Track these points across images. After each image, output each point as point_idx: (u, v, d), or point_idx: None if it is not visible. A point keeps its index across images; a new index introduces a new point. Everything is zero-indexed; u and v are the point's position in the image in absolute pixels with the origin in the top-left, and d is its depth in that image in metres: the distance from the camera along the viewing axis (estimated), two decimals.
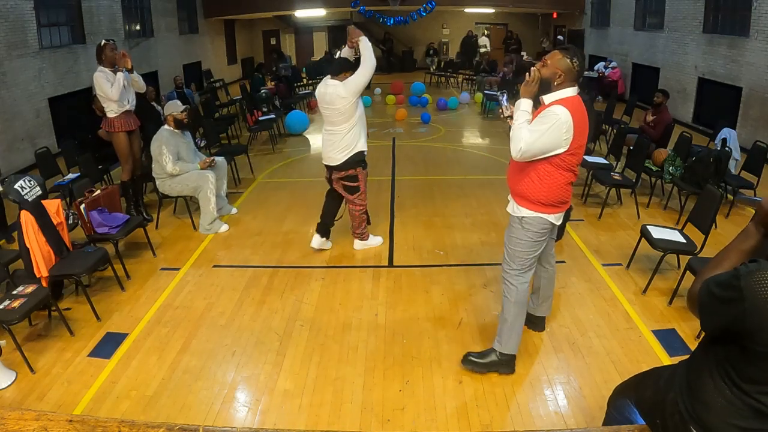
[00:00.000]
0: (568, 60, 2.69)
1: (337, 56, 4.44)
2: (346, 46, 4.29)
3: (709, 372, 1.45)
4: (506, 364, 3.06)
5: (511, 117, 2.88)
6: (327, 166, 4.42)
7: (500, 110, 3.05)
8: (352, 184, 4.41)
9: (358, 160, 4.33)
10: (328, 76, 4.23)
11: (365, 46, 4.16)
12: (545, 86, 2.75)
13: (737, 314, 1.26)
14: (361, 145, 4.32)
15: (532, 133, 2.66)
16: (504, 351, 3.04)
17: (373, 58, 4.16)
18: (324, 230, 4.71)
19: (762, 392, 1.34)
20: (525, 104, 2.79)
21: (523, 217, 2.86)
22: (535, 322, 3.48)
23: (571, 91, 2.72)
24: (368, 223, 4.82)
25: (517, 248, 2.92)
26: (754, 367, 1.33)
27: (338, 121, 4.18)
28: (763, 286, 1.21)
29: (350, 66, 4.19)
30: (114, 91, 4.90)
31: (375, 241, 4.84)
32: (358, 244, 4.77)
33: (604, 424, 2.13)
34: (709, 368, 1.45)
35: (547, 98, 2.76)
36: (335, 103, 4.11)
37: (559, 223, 2.95)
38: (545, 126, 2.64)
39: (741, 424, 1.39)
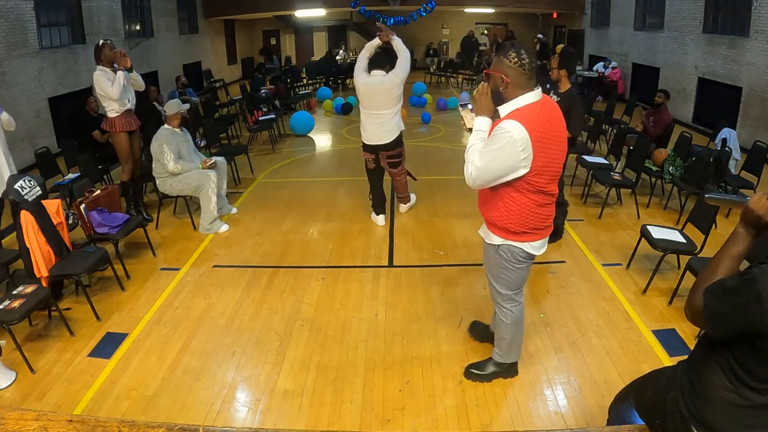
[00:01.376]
0: (508, 60, 2.27)
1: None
2: (378, 40, 4.84)
3: (713, 371, 1.45)
4: (508, 371, 3.01)
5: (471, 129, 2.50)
6: (373, 147, 5.00)
7: (462, 122, 2.66)
8: (396, 159, 5.11)
9: (401, 138, 5.04)
10: (364, 71, 4.83)
11: (398, 40, 4.86)
12: (498, 98, 2.36)
13: (755, 316, 1.27)
14: (402, 125, 5.04)
15: (482, 156, 2.27)
16: (505, 361, 2.98)
17: (406, 49, 4.84)
18: (383, 206, 5.34)
19: None
20: (479, 122, 2.41)
21: (498, 245, 2.58)
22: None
23: (528, 98, 2.30)
24: (414, 179, 5.70)
25: (501, 275, 2.67)
26: (765, 366, 1.33)
27: (389, 105, 4.80)
28: None
29: (392, 59, 4.80)
30: (115, 90, 4.90)
31: (412, 198, 5.60)
32: (403, 207, 5.56)
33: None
34: (712, 367, 1.45)
35: (502, 110, 2.34)
36: (392, 90, 4.74)
37: (539, 252, 2.59)
38: (496, 146, 2.23)
39: (747, 422, 1.39)
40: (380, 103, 4.77)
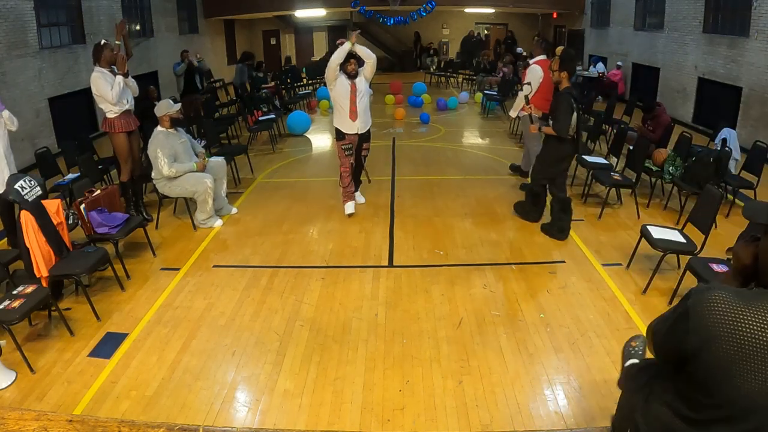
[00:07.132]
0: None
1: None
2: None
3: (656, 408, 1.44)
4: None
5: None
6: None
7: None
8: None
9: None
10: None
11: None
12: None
13: (683, 331, 1.28)
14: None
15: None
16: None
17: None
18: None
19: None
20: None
21: None
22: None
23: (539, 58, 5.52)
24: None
25: None
26: (698, 391, 1.31)
27: None
28: (707, 304, 1.25)
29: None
30: (114, 93, 4.89)
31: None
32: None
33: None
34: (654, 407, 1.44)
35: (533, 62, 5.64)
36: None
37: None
38: (531, 77, 5.55)
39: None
40: None
